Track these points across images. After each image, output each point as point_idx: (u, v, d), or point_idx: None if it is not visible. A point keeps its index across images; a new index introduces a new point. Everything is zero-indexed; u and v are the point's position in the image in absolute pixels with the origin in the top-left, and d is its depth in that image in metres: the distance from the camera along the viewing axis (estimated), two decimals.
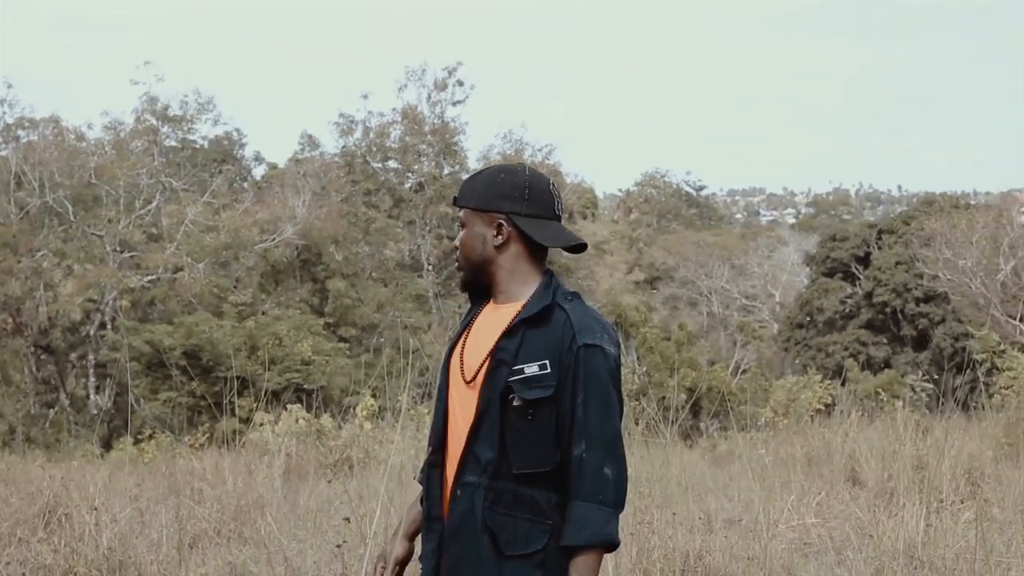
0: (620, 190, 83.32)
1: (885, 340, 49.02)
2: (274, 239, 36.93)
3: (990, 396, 14.78)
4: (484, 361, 3.36)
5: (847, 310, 54.26)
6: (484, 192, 3.46)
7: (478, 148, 56.76)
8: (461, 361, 3.43)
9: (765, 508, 7.32)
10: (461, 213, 3.51)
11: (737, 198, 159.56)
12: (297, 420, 14.38)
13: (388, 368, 11.92)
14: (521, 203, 3.44)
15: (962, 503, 8.87)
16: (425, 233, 39.97)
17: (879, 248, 54.50)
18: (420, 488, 3.59)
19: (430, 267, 39.95)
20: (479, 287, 3.51)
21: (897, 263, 52.07)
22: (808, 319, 53.52)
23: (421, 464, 3.61)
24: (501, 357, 3.33)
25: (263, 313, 33.92)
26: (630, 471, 3.41)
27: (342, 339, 35.12)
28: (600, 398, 3.31)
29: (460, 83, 40.88)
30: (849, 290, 54.96)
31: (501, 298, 3.45)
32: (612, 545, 3.28)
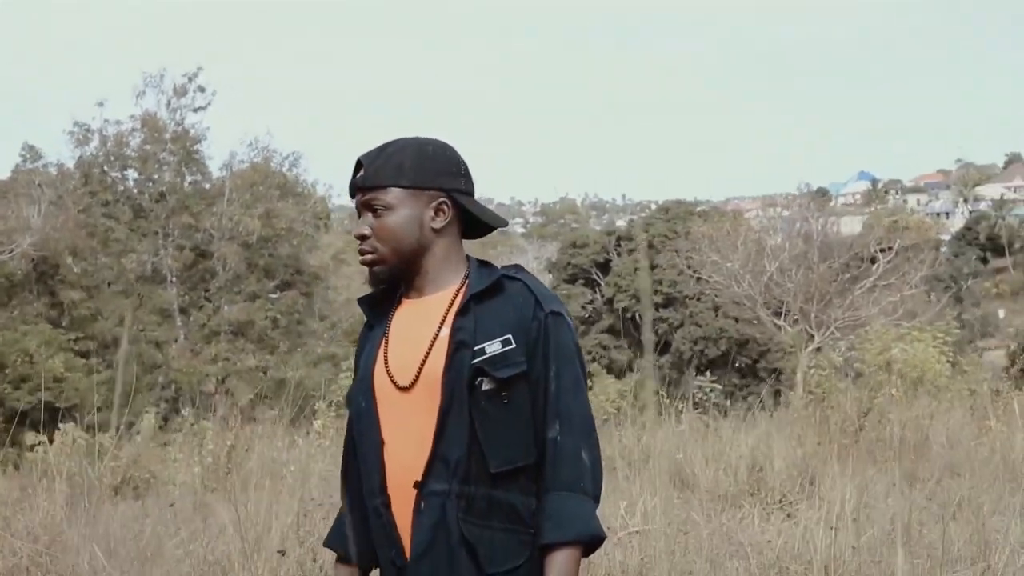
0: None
1: (627, 344, 49.82)
2: (11, 250, 35.10)
3: (776, 396, 14.94)
4: (425, 354, 2.84)
5: (588, 315, 55.28)
6: (417, 167, 2.92)
7: (221, 157, 55.54)
8: (388, 373, 2.89)
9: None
10: (379, 196, 2.92)
11: None
12: (74, 440, 13.49)
13: (134, 384, 11.18)
14: (459, 179, 2.96)
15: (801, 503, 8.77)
16: (167, 244, 38.63)
17: (618, 255, 55.66)
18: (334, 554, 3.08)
19: (173, 279, 38.65)
20: (392, 284, 2.98)
21: (636, 269, 53.24)
22: None
23: (331, 527, 3.09)
24: (460, 338, 2.81)
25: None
26: None
27: (79, 354, 33.65)
28: (571, 371, 2.84)
29: (201, 89, 39.75)
30: (591, 296, 55.99)
31: (428, 289, 2.93)
32: (599, 541, 2.80)
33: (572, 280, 57.06)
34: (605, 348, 51.20)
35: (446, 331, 2.85)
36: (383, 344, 2.93)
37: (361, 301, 3.06)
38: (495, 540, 2.78)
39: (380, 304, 3.03)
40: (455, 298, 2.89)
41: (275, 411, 15.28)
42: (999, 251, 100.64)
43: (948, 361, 17.00)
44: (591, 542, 2.79)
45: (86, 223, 37.56)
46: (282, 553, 6.18)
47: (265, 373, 35.82)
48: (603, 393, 22.92)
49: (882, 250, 37.28)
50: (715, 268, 38.22)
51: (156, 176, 39.32)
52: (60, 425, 14.31)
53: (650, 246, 54.41)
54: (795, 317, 35.80)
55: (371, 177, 2.92)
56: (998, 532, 6.74)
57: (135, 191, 39.67)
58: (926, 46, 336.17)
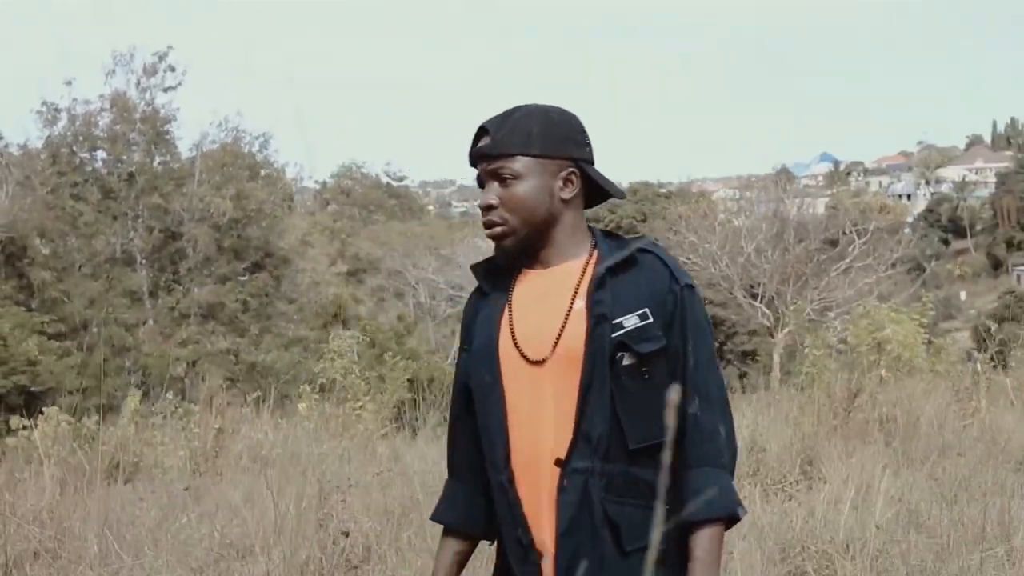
0: (316, 182, 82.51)
1: None
2: None
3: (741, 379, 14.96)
4: (561, 327, 2.78)
5: None
6: (545, 135, 2.83)
7: (191, 137, 55.05)
8: (516, 345, 2.82)
9: None
10: (508, 164, 2.83)
11: (429, 190, 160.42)
12: (59, 424, 13.36)
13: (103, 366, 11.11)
14: (584, 148, 2.89)
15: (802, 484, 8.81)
16: (137, 226, 38.31)
17: None
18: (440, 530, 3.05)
19: (143, 261, 38.32)
20: (517, 255, 2.90)
21: None
22: None
23: (439, 500, 3.05)
24: (600, 312, 2.74)
25: None
26: None
27: (51, 336, 33.37)
28: (707, 345, 2.82)
29: (172, 68, 39.41)
30: None
31: (554, 260, 2.86)
32: (739, 516, 2.79)
33: None
34: None
35: (581, 303, 2.80)
36: (506, 315, 2.87)
37: (475, 268, 2.99)
38: (634, 517, 2.73)
39: (495, 272, 2.96)
40: (585, 269, 2.84)
41: (257, 393, 15.21)
42: (960, 233, 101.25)
43: (924, 342, 17.13)
44: (736, 517, 2.78)
45: (54, 204, 37.20)
46: (346, 534, 6.14)
47: (236, 356, 35.67)
48: None
49: (857, 232, 37.49)
50: (692, 249, 38.29)
51: (125, 157, 38.87)
52: (43, 409, 14.20)
53: (618, 227, 54.46)
54: (771, 297, 35.97)
55: (499, 145, 2.84)
56: (1005, 513, 6.78)
57: (104, 172, 39.24)
58: (888, 29, 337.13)
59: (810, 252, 36.21)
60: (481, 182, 2.91)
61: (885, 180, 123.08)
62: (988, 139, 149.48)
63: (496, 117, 2.89)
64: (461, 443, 3.01)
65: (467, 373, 2.93)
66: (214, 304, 37.71)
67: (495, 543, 2.97)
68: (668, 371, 2.77)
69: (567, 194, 2.85)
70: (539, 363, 2.79)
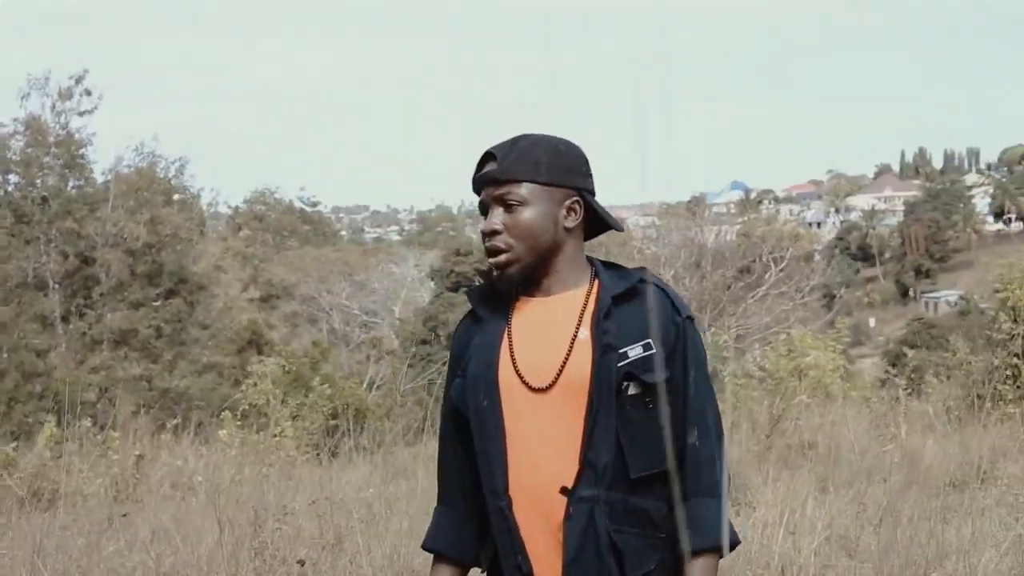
0: (229, 207, 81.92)
1: None
2: None
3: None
4: (566, 356, 2.79)
5: None
6: (553, 164, 2.86)
7: (106, 161, 54.40)
8: (518, 372, 2.83)
9: None
10: (514, 190, 2.85)
11: (342, 215, 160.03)
12: None
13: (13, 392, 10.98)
14: (588, 179, 2.93)
15: None
16: (50, 250, 37.72)
17: None
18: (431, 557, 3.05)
19: (56, 286, 37.75)
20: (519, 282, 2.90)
21: None
22: (432, 334, 54.06)
23: (430, 527, 3.05)
24: (607, 342, 2.76)
25: None
26: None
27: None
28: (705, 376, 2.87)
29: (88, 92, 38.87)
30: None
31: (555, 288, 2.88)
32: (735, 544, 2.84)
33: (455, 288, 56.88)
34: None
35: (586, 333, 2.81)
36: (505, 342, 2.87)
37: (471, 292, 3.00)
38: (634, 545, 2.76)
39: (491, 298, 2.97)
40: (588, 299, 2.86)
41: (176, 420, 15.08)
42: (869, 260, 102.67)
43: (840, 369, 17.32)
44: (731, 546, 2.81)
45: None
46: (301, 563, 6.11)
47: (149, 382, 35.26)
48: None
49: (773, 259, 37.88)
50: (648, 262, 38.47)
51: (39, 181, 38.29)
52: None
53: None
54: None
55: (506, 170, 2.86)
56: (932, 537, 6.87)
57: (17, 196, 38.67)
58: (797, 56, 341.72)
59: (727, 279, 36.53)
60: (484, 208, 2.91)
61: (795, 208, 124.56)
62: (896, 168, 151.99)
63: (503, 143, 2.90)
64: (451, 469, 3.01)
65: (461, 399, 2.91)
66: (127, 330, 37.24)
67: (484, 571, 2.97)
68: (669, 401, 2.79)
69: (571, 223, 2.87)
70: (541, 391, 2.80)
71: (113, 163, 40.01)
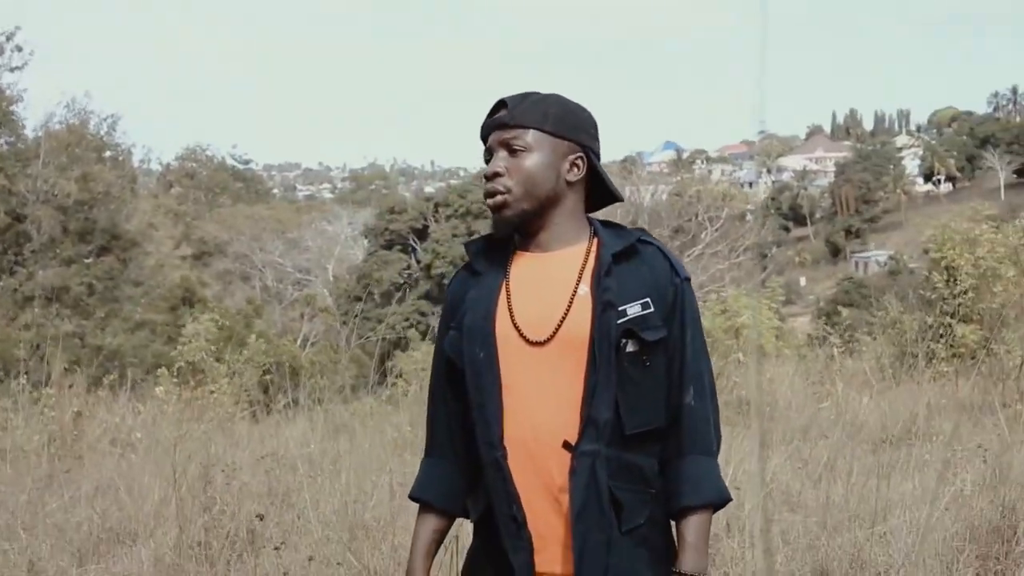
0: (160, 164, 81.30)
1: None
2: None
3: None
4: (565, 311, 2.82)
5: (405, 281, 55.25)
6: (562, 117, 2.91)
7: (36, 117, 53.63)
8: (516, 325, 2.84)
9: None
10: (520, 135, 2.89)
11: (274, 173, 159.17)
12: None
13: None
14: (595, 140, 2.97)
15: None
16: None
17: (436, 221, 55.64)
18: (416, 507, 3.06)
19: None
20: (516, 232, 2.94)
21: (455, 235, 53.31)
22: (367, 291, 53.97)
23: (418, 477, 3.05)
24: (607, 299, 2.79)
25: None
26: None
27: None
28: (700, 336, 2.91)
29: (19, 48, 38.17)
30: (407, 262, 55.93)
31: (553, 244, 2.91)
32: (727, 501, 2.88)
33: (389, 246, 56.94)
34: (423, 314, 51.17)
35: (585, 289, 2.84)
36: (503, 295, 2.89)
37: (468, 245, 3.02)
38: (629, 499, 2.80)
39: (488, 252, 2.99)
40: (587, 256, 2.89)
41: (112, 376, 14.95)
42: (801, 221, 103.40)
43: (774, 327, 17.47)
44: (724, 502, 2.86)
45: None
46: (260, 517, 6.11)
47: (82, 340, 34.93)
48: (423, 360, 22.88)
49: (709, 219, 38.08)
50: None
51: None
52: None
53: (468, 212, 54.59)
54: None
55: (515, 117, 2.89)
56: (874, 492, 6.96)
57: None
58: (727, 18, 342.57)
59: (663, 238, 36.65)
60: (489, 155, 2.95)
61: (728, 168, 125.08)
62: (828, 129, 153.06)
63: (516, 95, 2.94)
64: (441, 422, 3.02)
65: (456, 350, 2.92)
66: (59, 287, 36.85)
67: (473, 522, 2.99)
68: (665, 360, 2.84)
69: (572, 176, 2.90)
70: (539, 344, 2.82)
71: (44, 119, 39.42)
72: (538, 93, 2.96)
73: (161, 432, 10.86)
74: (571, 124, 2.93)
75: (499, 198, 2.88)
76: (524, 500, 2.81)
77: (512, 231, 2.94)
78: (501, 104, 2.94)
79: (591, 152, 2.95)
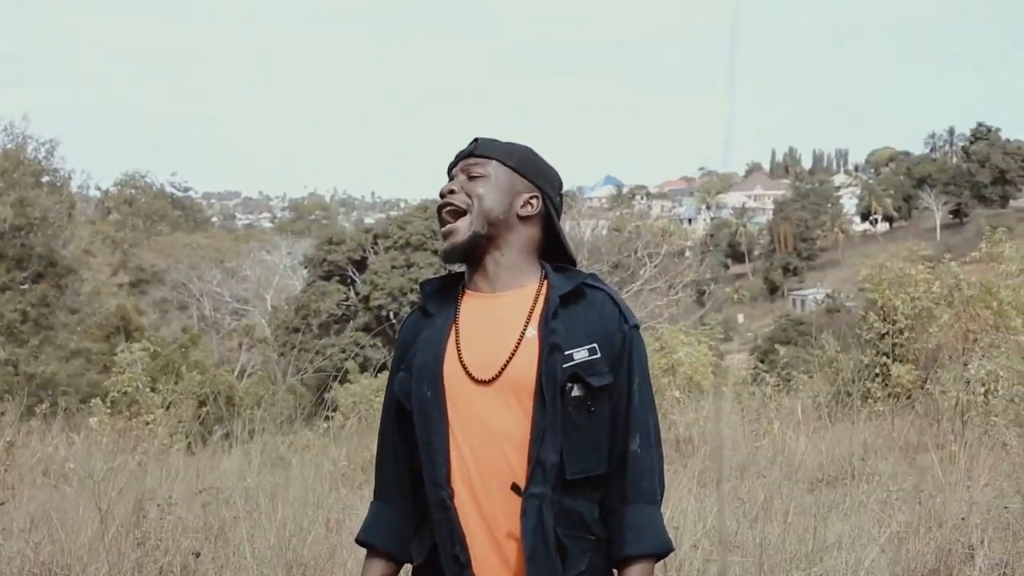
0: (99, 190, 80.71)
1: (381, 343, 49.69)
2: None
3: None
4: (512, 352, 2.82)
5: (343, 313, 55.05)
6: (526, 159, 3.00)
7: None
8: (463, 365, 2.85)
9: None
10: (481, 163, 2.97)
11: (213, 201, 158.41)
12: None
13: None
14: (556, 193, 3.03)
15: None
16: None
17: (375, 252, 55.54)
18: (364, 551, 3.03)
19: None
20: (465, 263, 2.97)
21: (393, 267, 53.24)
22: (304, 322, 53.75)
23: (365, 520, 3.04)
24: (554, 341, 2.80)
25: None
26: None
27: None
28: (648, 385, 2.92)
29: None
30: (346, 293, 55.73)
31: (501, 285, 2.92)
32: (670, 551, 2.89)
33: (327, 277, 56.70)
34: (360, 346, 50.99)
35: (533, 332, 2.85)
36: (452, 335, 2.90)
37: (424, 285, 3.04)
38: (571, 545, 2.80)
39: (441, 293, 3.01)
40: (537, 298, 2.90)
41: (45, 406, 14.75)
42: (739, 257, 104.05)
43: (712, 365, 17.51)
44: (667, 552, 2.87)
45: None
46: (196, 555, 6.03)
47: (15, 367, 34.56)
48: (361, 393, 22.79)
49: (648, 255, 38.18)
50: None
51: None
52: None
53: (407, 244, 54.51)
54: None
55: (481, 149, 2.98)
56: (810, 532, 6.98)
57: None
58: (671, 53, 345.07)
59: (602, 274, 36.66)
60: (452, 178, 3.02)
61: (667, 204, 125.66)
62: (767, 167, 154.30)
63: (492, 139, 3.03)
64: (389, 465, 3.03)
65: (404, 391, 2.93)
66: None
67: (415, 567, 2.98)
68: (610, 407, 2.85)
69: (524, 212, 2.94)
70: (485, 383, 2.83)
71: None
72: (511, 143, 3.04)
73: (95, 463, 10.72)
74: (533, 168, 3.00)
75: (452, 208, 2.94)
76: (470, 540, 2.80)
77: (462, 258, 2.95)
78: (474, 140, 3.01)
79: (548, 200, 2.99)
